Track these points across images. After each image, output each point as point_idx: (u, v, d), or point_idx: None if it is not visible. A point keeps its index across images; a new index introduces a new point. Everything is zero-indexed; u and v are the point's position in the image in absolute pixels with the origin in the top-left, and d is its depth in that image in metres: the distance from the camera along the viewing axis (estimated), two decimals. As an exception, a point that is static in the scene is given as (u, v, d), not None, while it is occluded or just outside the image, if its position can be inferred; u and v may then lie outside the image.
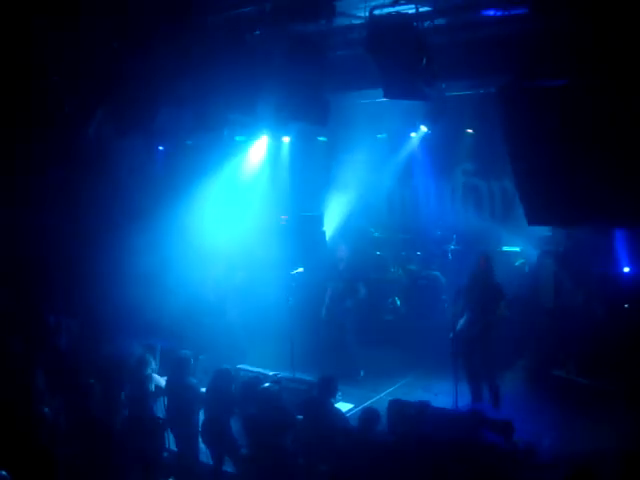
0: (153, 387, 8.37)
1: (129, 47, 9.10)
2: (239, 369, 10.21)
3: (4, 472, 6.31)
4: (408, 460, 6.52)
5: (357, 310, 11.24)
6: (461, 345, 9.08)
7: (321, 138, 14.12)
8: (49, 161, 11.70)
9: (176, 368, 8.26)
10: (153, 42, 8.76)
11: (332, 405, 7.57)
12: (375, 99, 10.57)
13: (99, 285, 12.88)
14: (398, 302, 13.24)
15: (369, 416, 6.98)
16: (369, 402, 9.55)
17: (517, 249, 11.93)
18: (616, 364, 9.42)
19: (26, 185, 12.06)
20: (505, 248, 11.99)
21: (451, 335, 9.03)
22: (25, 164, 11.58)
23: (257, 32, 8.79)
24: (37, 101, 9.86)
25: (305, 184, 14.14)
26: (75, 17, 8.58)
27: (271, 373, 9.16)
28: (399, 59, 7.68)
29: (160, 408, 8.43)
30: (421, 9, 7.56)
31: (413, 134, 12.98)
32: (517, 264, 11.70)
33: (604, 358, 9.58)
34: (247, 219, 14.55)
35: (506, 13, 7.59)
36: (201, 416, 8.07)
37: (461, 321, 9.28)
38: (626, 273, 9.99)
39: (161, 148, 13.47)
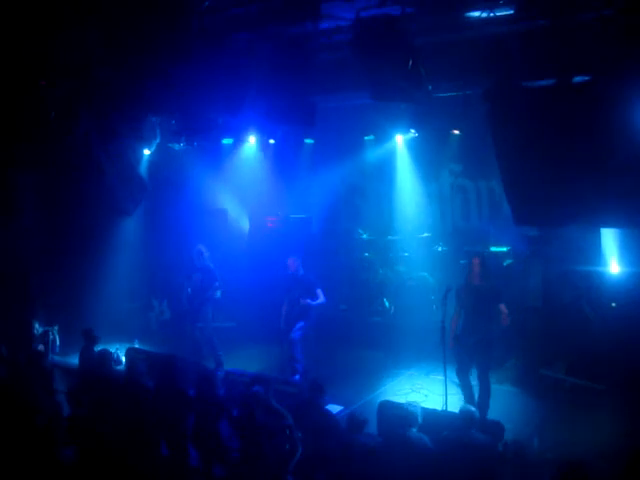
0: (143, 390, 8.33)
1: (115, 51, 9.07)
2: (228, 372, 10.21)
3: None
4: (396, 462, 6.53)
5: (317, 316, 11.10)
6: (460, 350, 8.90)
7: (308, 140, 14.13)
8: (31, 165, 11.63)
9: (164, 372, 8.23)
10: (139, 45, 8.72)
11: (323, 407, 7.57)
12: (362, 101, 10.61)
13: (83, 290, 12.85)
14: (387, 303, 13.26)
15: (354, 421, 6.99)
16: (359, 404, 9.56)
17: (505, 249, 11.97)
18: (604, 363, 9.47)
19: (8, 190, 12.00)
20: (493, 248, 12.02)
21: (448, 335, 8.73)
22: (6, 168, 11.52)
23: (243, 34, 8.77)
24: (23, 105, 9.80)
25: (293, 187, 14.16)
26: (60, 22, 8.54)
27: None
28: (386, 61, 7.69)
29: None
30: (407, 10, 7.58)
31: (399, 136, 13.02)
32: (505, 264, 11.73)
33: (592, 357, 9.62)
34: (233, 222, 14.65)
35: (492, 14, 7.63)
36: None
37: (459, 325, 9.03)
38: (613, 272, 10.05)
39: (147, 152, 13.44)
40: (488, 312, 8.82)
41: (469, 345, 8.83)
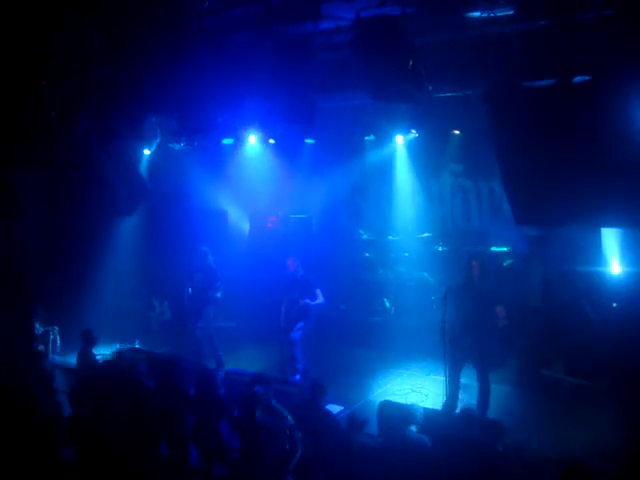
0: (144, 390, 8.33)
1: (115, 51, 9.07)
2: (229, 372, 10.22)
3: None
4: (396, 462, 6.53)
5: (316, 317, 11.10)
6: (455, 351, 8.88)
7: (308, 140, 14.11)
8: (31, 165, 11.62)
9: (165, 372, 8.23)
10: (139, 46, 8.72)
11: (323, 407, 7.57)
12: (363, 101, 10.60)
13: (84, 290, 12.86)
14: (387, 303, 13.27)
15: (354, 421, 7.00)
16: (359, 404, 9.56)
17: (505, 249, 11.98)
18: (604, 363, 9.46)
19: (9, 190, 11.99)
20: (493, 248, 12.03)
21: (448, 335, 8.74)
22: (6, 168, 11.51)
23: (243, 34, 8.78)
24: (23, 104, 9.80)
25: (294, 187, 14.16)
26: (60, 21, 8.54)
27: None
28: (386, 61, 7.69)
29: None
30: (408, 11, 7.58)
31: (399, 137, 13.03)
32: (505, 264, 11.73)
33: (592, 357, 9.61)
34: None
35: (492, 14, 7.63)
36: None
37: (457, 326, 9.00)
38: (614, 272, 10.04)
39: (147, 152, 13.43)
40: (486, 313, 8.82)
41: (466, 345, 8.84)
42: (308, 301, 10.60)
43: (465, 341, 8.85)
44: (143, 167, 13.49)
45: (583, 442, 8.02)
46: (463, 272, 9.29)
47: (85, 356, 9.70)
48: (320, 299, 10.68)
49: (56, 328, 12.15)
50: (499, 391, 9.57)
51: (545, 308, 10.58)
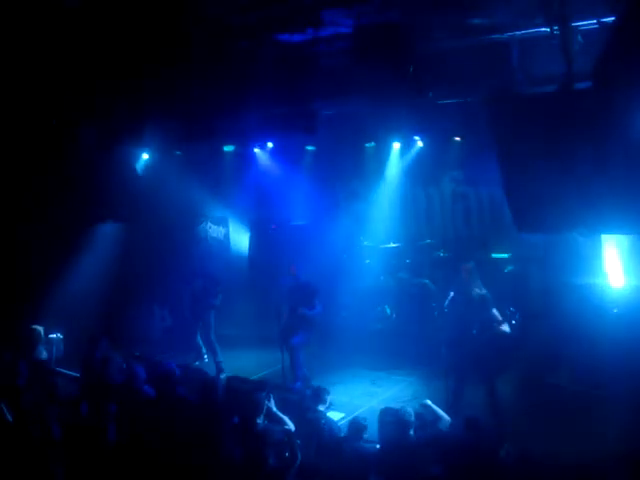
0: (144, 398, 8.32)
1: (115, 58, 9.08)
2: (229, 379, 10.19)
3: None
4: (394, 468, 6.52)
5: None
6: (452, 358, 8.97)
7: (309, 147, 14.14)
8: (32, 172, 11.63)
9: (165, 380, 8.21)
10: (140, 51, 8.74)
11: (324, 414, 7.56)
12: (363, 108, 10.61)
13: (86, 296, 12.85)
14: (388, 310, 13.25)
15: (355, 428, 6.99)
16: (360, 411, 9.52)
17: (506, 256, 11.98)
18: (606, 370, 9.43)
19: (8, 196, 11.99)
20: (494, 255, 12.02)
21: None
22: (7, 176, 11.52)
23: (244, 41, 8.79)
24: (23, 111, 9.83)
25: (294, 193, 14.17)
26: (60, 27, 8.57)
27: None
28: (387, 67, 7.71)
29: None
30: (408, 17, 7.60)
31: (400, 142, 13.04)
32: (506, 271, 11.73)
33: (595, 364, 9.59)
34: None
35: (493, 20, 7.64)
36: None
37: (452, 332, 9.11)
38: (614, 282, 10.02)
39: (146, 156, 13.42)
40: (478, 319, 8.84)
41: (462, 353, 8.86)
42: (306, 311, 10.62)
43: (459, 348, 8.88)
44: (142, 172, 13.49)
45: (586, 449, 7.98)
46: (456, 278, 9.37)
47: (90, 362, 9.69)
48: (318, 308, 10.70)
49: (60, 334, 12.10)
50: (501, 396, 9.55)
51: (546, 315, 10.56)
